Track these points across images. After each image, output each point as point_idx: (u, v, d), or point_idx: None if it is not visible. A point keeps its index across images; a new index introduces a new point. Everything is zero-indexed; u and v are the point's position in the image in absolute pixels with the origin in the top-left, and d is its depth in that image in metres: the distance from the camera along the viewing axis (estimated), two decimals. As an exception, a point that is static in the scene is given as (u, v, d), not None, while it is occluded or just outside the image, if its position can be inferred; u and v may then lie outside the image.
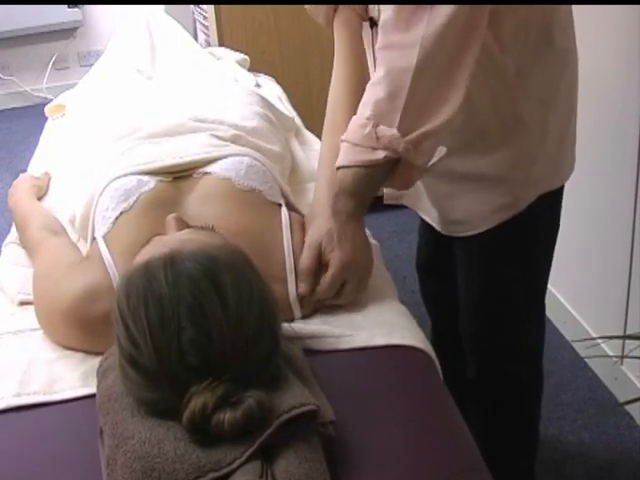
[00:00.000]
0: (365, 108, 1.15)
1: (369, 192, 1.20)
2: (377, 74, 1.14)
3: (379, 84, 1.13)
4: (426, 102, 1.13)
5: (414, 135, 1.13)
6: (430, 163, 1.19)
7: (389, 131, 1.12)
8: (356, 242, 1.20)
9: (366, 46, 1.36)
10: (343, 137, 1.18)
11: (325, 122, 1.40)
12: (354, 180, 1.17)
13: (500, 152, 1.28)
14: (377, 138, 1.13)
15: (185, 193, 1.28)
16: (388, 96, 1.12)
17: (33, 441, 1.03)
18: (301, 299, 1.20)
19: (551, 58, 1.26)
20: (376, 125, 1.13)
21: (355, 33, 1.37)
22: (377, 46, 1.14)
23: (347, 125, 1.24)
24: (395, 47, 1.11)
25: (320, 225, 1.21)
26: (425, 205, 1.43)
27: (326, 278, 1.19)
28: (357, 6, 1.34)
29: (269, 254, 1.20)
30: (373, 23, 1.27)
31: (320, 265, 1.21)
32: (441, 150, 1.23)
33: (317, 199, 1.32)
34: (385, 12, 1.12)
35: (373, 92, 1.14)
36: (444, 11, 1.07)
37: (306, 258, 1.20)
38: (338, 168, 1.19)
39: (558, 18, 1.25)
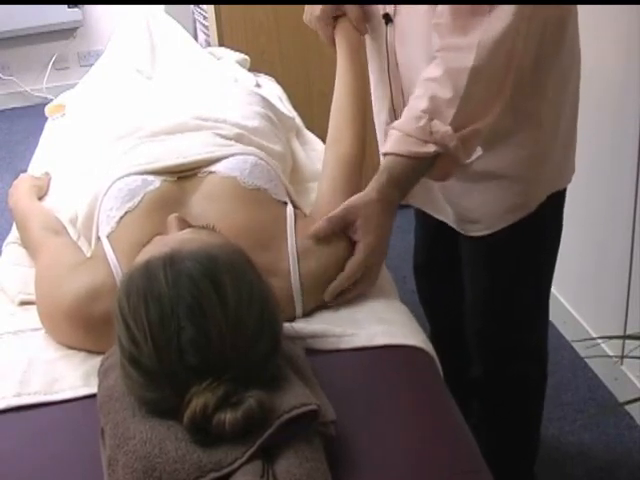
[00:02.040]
0: (420, 101, 1.16)
1: (412, 183, 1.21)
2: (434, 71, 1.16)
3: (436, 81, 1.15)
4: (480, 101, 1.16)
5: (465, 132, 1.15)
6: (469, 160, 1.22)
7: (443, 127, 1.14)
8: (386, 232, 1.21)
9: (375, 42, 1.37)
10: (395, 125, 1.19)
11: (329, 133, 1.41)
12: (403, 170, 1.18)
13: (516, 151, 1.30)
14: (430, 132, 1.14)
15: (190, 192, 1.28)
16: (445, 94, 1.14)
17: (34, 441, 1.03)
18: (304, 291, 1.19)
19: (564, 56, 1.28)
20: (431, 119, 1.15)
21: (355, 45, 1.41)
22: (435, 48, 1.17)
23: (352, 139, 1.32)
24: (453, 49, 1.14)
25: (363, 203, 1.19)
26: (437, 205, 1.43)
27: (353, 262, 1.19)
28: (354, 19, 1.36)
29: (273, 249, 1.20)
30: (388, 20, 1.28)
31: (339, 229, 1.20)
32: (478, 150, 1.25)
33: (319, 204, 1.32)
34: (441, 18, 1.15)
35: (430, 87, 1.16)
36: (503, 16, 1.10)
37: (339, 215, 1.20)
38: (386, 154, 1.20)
39: (571, 16, 1.27)
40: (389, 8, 1.28)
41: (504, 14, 1.11)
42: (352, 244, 1.21)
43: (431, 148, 1.15)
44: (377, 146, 1.48)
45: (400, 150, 1.17)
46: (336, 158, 1.37)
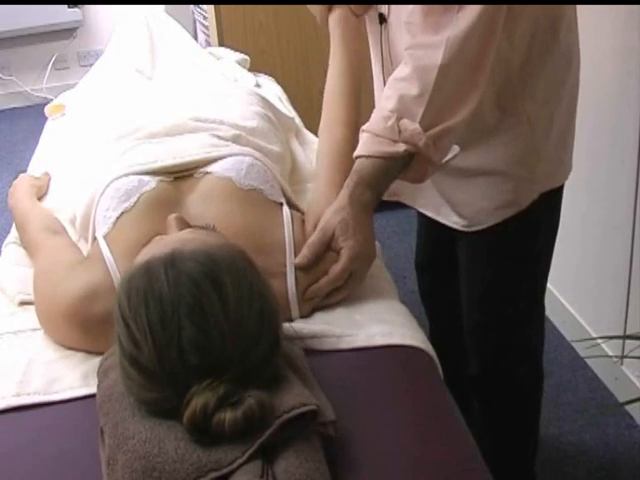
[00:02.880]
0: (389, 101, 1.16)
1: (386, 184, 1.21)
2: (403, 70, 1.16)
3: (405, 80, 1.15)
4: (449, 99, 1.16)
5: (435, 131, 1.15)
6: (444, 160, 1.21)
7: (411, 125, 1.14)
8: (367, 234, 1.21)
9: (372, 41, 1.38)
10: (364, 127, 1.20)
11: (322, 117, 1.41)
12: (373, 170, 1.18)
13: (505, 148, 1.30)
14: (399, 131, 1.14)
15: (186, 193, 1.28)
16: (413, 92, 1.14)
17: (33, 441, 1.03)
18: (300, 295, 1.19)
19: (557, 56, 1.28)
20: (399, 118, 1.15)
21: (350, 30, 1.40)
22: (404, 46, 1.17)
23: (345, 121, 1.29)
24: (422, 47, 1.14)
25: (335, 212, 1.20)
26: (427, 201, 1.43)
27: (336, 268, 1.19)
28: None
29: (270, 251, 1.20)
30: (382, 19, 1.29)
31: (324, 251, 1.20)
32: (455, 149, 1.24)
33: (318, 192, 1.33)
34: (412, 16, 1.15)
35: (398, 86, 1.16)
36: (469, 14, 1.10)
37: (316, 238, 1.20)
38: (357, 157, 1.20)
39: (564, 16, 1.27)
40: (383, 8, 1.28)
41: (470, 13, 1.10)
42: None
43: (401, 147, 1.14)
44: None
45: (370, 151, 1.17)
46: (330, 145, 1.37)
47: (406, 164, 1.18)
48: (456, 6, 1.11)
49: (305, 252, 1.20)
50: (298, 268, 1.19)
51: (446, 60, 1.12)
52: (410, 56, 1.15)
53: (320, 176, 1.36)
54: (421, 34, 1.14)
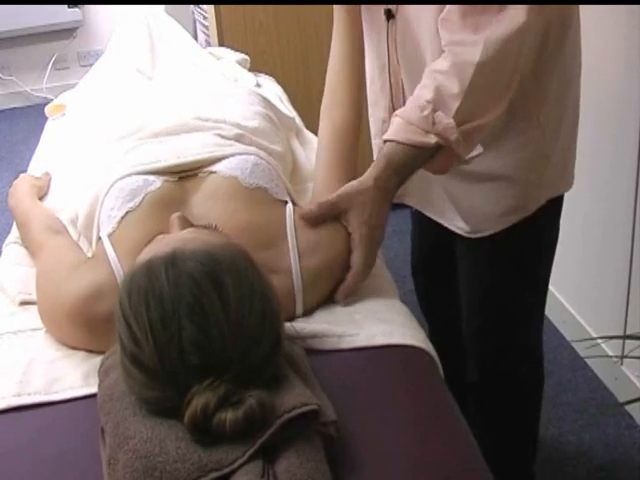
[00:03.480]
0: (425, 91, 1.16)
1: (410, 172, 1.21)
2: (442, 64, 1.16)
3: (443, 74, 1.15)
4: (484, 98, 1.16)
5: (467, 127, 1.15)
6: (469, 156, 1.21)
7: (445, 119, 1.14)
8: (381, 219, 1.21)
9: (374, 36, 1.37)
10: (398, 112, 1.19)
11: (324, 98, 1.40)
12: (403, 157, 1.18)
13: (515, 153, 1.30)
14: (433, 123, 1.14)
15: (191, 192, 1.28)
16: (451, 86, 1.14)
17: (34, 441, 1.03)
18: (305, 288, 1.19)
19: (567, 56, 1.28)
20: (434, 110, 1.14)
21: (354, 14, 1.38)
22: (443, 42, 1.17)
23: (347, 102, 1.31)
24: (461, 44, 1.15)
25: (357, 191, 1.19)
26: (432, 203, 1.43)
27: (357, 262, 1.19)
28: None
29: (275, 248, 1.20)
30: (390, 15, 1.28)
31: (330, 216, 1.21)
32: (479, 147, 1.24)
33: (318, 173, 1.34)
34: (450, 14, 1.15)
35: (435, 78, 1.16)
36: (512, 18, 1.11)
37: (330, 203, 1.20)
38: (386, 141, 1.19)
39: (573, 16, 1.27)
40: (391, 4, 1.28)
41: (516, 13, 1.11)
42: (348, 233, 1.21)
43: (432, 139, 1.14)
44: (370, 138, 1.48)
45: (401, 138, 1.17)
46: (331, 126, 1.37)
47: (431, 156, 1.18)
48: (495, 7, 1.11)
49: (314, 208, 1.20)
50: (302, 218, 1.21)
51: (484, 58, 1.12)
52: (449, 52, 1.16)
53: (320, 158, 1.37)
54: (460, 32, 1.15)
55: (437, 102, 1.14)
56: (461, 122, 1.14)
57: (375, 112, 1.45)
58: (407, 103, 1.19)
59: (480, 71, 1.13)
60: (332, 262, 1.21)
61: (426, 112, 1.14)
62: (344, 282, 1.21)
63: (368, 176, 1.19)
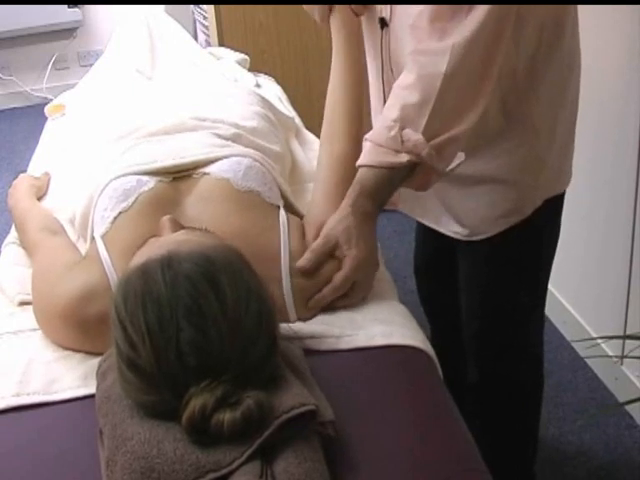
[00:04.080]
0: (392, 110, 1.15)
1: (388, 193, 1.20)
2: (406, 78, 1.14)
3: (408, 88, 1.13)
4: (453, 108, 1.14)
5: (438, 140, 1.13)
6: (449, 168, 1.20)
7: (414, 135, 1.12)
8: (369, 242, 1.20)
9: (370, 45, 1.36)
10: (367, 136, 1.18)
11: (323, 129, 1.40)
12: (376, 181, 1.17)
13: (509, 155, 1.29)
14: (402, 142, 1.13)
15: (184, 194, 1.28)
16: (416, 101, 1.12)
17: (33, 441, 1.03)
18: (297, 300, 1.19)
19: (561, 59, 1.26)
20: (402, 128, 1.13)
21: (353, 34, 1.37)
22: (407, 51, 1.15)
23: (345, 134, 1.29)
24: (426, 53, 1.12)
25: (338, 221, 1.20)
26: (426, 210, 1.43)
27: (338, 277, 1.19)
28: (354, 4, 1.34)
29: (266, 255, 1.19)
30: (384, 24, 1.27)
31: (327, 258, 1.20)
32: (460, 156, 1.23)
33: (315, 203, 1.32)
34: (418, 20, 1.13)
35: (401, 95, 1.14)
36: (474, 20, 1.08)
37: (320, 244, 1.20)
38: (360, 166, 1.19)
39: (568, 19, 1.26)
40: (385, 12, 1.26)
41: (478, 14, 1.08)
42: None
43: (404, 158, 1.13)
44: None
45: (372, 161, 1.16)
46: (330, 158, 1.36)
47: (410, 173, 1.16)
48: (464, 11, 1.09)
49: (308, 256, 1.20)
50: (300, 271, 1.19)
51: (450, 69, 1.10)
52: (414, 62, 1.14)
53: (318, 188, 1.35)
54: (427, 39, 1.12)
55: (404, 119, 1.13)
56: (432, 136, 1.12)
57: (374, 122, 1.45)
58: (375, 125, 1.18)
59: (447, 82, 1.10)
60: (323, 281, 1.20)
61: (393, 132, 1.13)
62: (319, 292, 1.20)
63: (344, 205, 1.19)
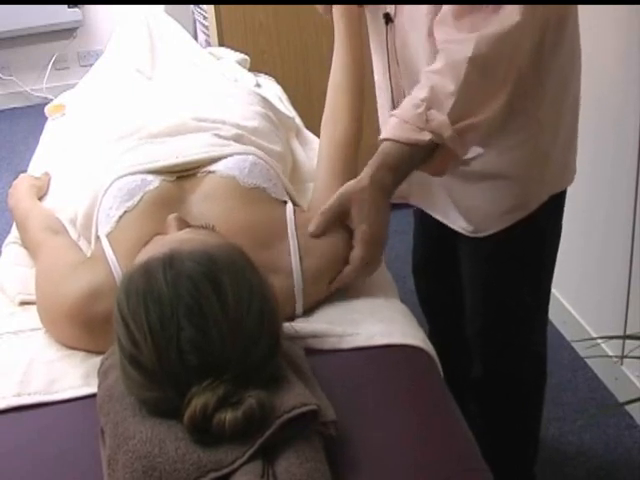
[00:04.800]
0: (421, 90, 1.17)
1: (407, 171, 1.21)
2: (436, 64, 1.16)
3: (438, 73, 1.15)
4: (478, 95, 1.16)
5: (462, 125, 1.15)
6: (466, 157, 1.21)
7: (439, 116, 1.14)
8: (382, 217, 1.20)
9: (375, 40, 1.37)
10: (394, 112, 1.20)
11: (325, 109, 1.41)
12: (398, 156, 1.18)
13: (515, 151, 1.30)
14: (427, 120, 1.14)
15: (189, 192, 1.28)
16: (444, 84, 1.14)
17: (34, 441, 1.03)
18: (305, 289, 1.19)
19: (564, 54, 1.28)
20: (428, 108, 1.15)
21: (354, 23, 1.39)
22: (438, 42, 1.17)
23: (347, 114, 1.33)
24: (454, 41, 1.15)
25: (354, 190, 1.20)
26: (435, 203, 1.43)
27: (356, 257, 1.19)
28: None
29: (274, 248, 1.20)
30: (388, 19, 1.29)
31: (336, 224, 1.21)
32: (478, 150, 1.25)
33: (319, 182, 1.34)
34: (445, 17, 1.16)
35: (429, 78, 1.17)
36: (508, 16, 1.11)
37: (331, 208, 1.20)
38: (382, 140, 1.20)
39: (571, 14, 1.27)
40: (389, 8, 1.28)
41: (511, 12, 1.11)
42: (351, 233, 1.21)
43: (426, 136, 1.15)
44: (376, 131, 1.48)
45: (396, 136, 1.17)
46: (332, 140, 1.37)
47: (429, 155, 1.18)
48: (490, 7, 1.12)
49: (319, 220, 1.20)
50: (312, 236, 1.20)
51: (475, 53, 1.12)
52: (443, 50, 1.16)
53: (321, 166, 1.37)
54: (455, 33, 1.15)
55: (431, 100, 1.15)
56: (455, 120, 1.14)
57: (382, 115, 1.46)
58: (403, 103, 1.20)
59: (472, 67, 1.13)
60: (333, 261, 1.21)
61: (420, 110, 1.15)
62: (340, 273, 1.21)
63: (364, 175, 1.19)
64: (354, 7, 1.38)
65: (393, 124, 1.18)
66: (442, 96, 1.14)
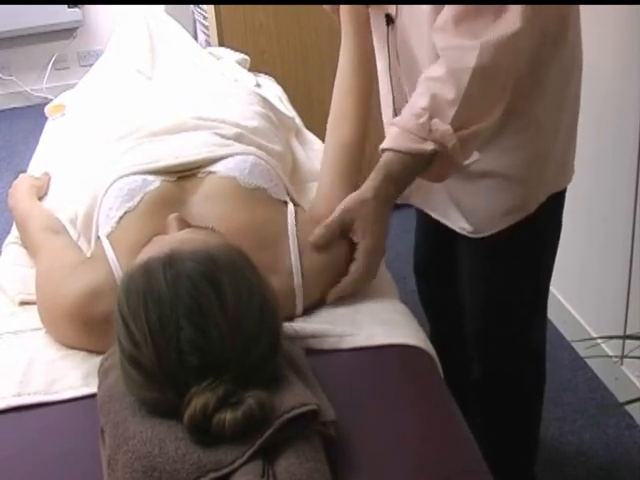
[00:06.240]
0: (421, 98, 1.16)
1: (409, 180, 1.21)
2: (436, 70, 1.16)
3: (438, 81, 1.15)
4: (481, 103, 1.16)
5: (464, 133, 1.15)
6: (466, 162, 1.21)
7: (442, 126, 1.14)
8: (383, 229, 1.21)
9: (378, 40, 1.37)
10: (394, 121, 1.19)
11: (331, 113, 1.40)
12: (400, 166, 1.18)
13: (514, 152, 1.30)
14: (430, 130, 1.14)
15: (189, 192, 1.28)
16: (446, 93, 1.13)
17: (34, 441, 1.03)
18: (305, 290, 1.19)
19: (565, 55, 1.28)
20: (431, 117, 1.14)
21: (362, 24, 1.38)
22: (438, 48, 1.16)
23: (353, 118, 1.31)
24: (456, 49, 1.14)
25: (358, 203, 1.20)
26: (436, 204, 1.43)
27: (356, 269, 1.19)
28: None
29: (275, 248, 1.20)
30: (390, 20, 1.28)
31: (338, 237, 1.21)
32: (475, 154, 1.24)
33: (323, 185, 1.34)
34: (444, 23, 1.14)
35: (431, 86, 1.16)
36: (509, 22, 1.10)
37: (335, 221, 1.20)
38: (384, 150, 1.19)
39: (572, 14, 1.27)
40: (391, 9, 1.28)
41: (512, 18, 1.10)
42: (351, 243, 1.21)
43: (429, 146, 1.14)
44: (380, 131, 1.48)
45: (399, 146, 1.17)
46: (338, 141, 1.37)
47: (428, 163, 1.18)
48: (490, 12, 1.11)
49: (321, 231, 1.20)
50: (314, 246, 1.20)
51: (479, 64, 1.11)
52: (444, 57, 1.15)
53: (326, 170, 1.36)
54: (456, 38, 1.14)
55: (433, 109, 1.14)
56: (458, 128, 1.14)
57: (385, 116, 1.46)
58: (403, 112, 1.19)
59: (476, 77, 1.12)
60: (334, 261, 1.21)
61: (422, 119, 1.14)
62: (338, 285, 1.21)
63: (367, 188, 1.19)
64: (363, 10, 1.37)
65: (394, 134, 1.18)
66: (444, 105, 1.14)
